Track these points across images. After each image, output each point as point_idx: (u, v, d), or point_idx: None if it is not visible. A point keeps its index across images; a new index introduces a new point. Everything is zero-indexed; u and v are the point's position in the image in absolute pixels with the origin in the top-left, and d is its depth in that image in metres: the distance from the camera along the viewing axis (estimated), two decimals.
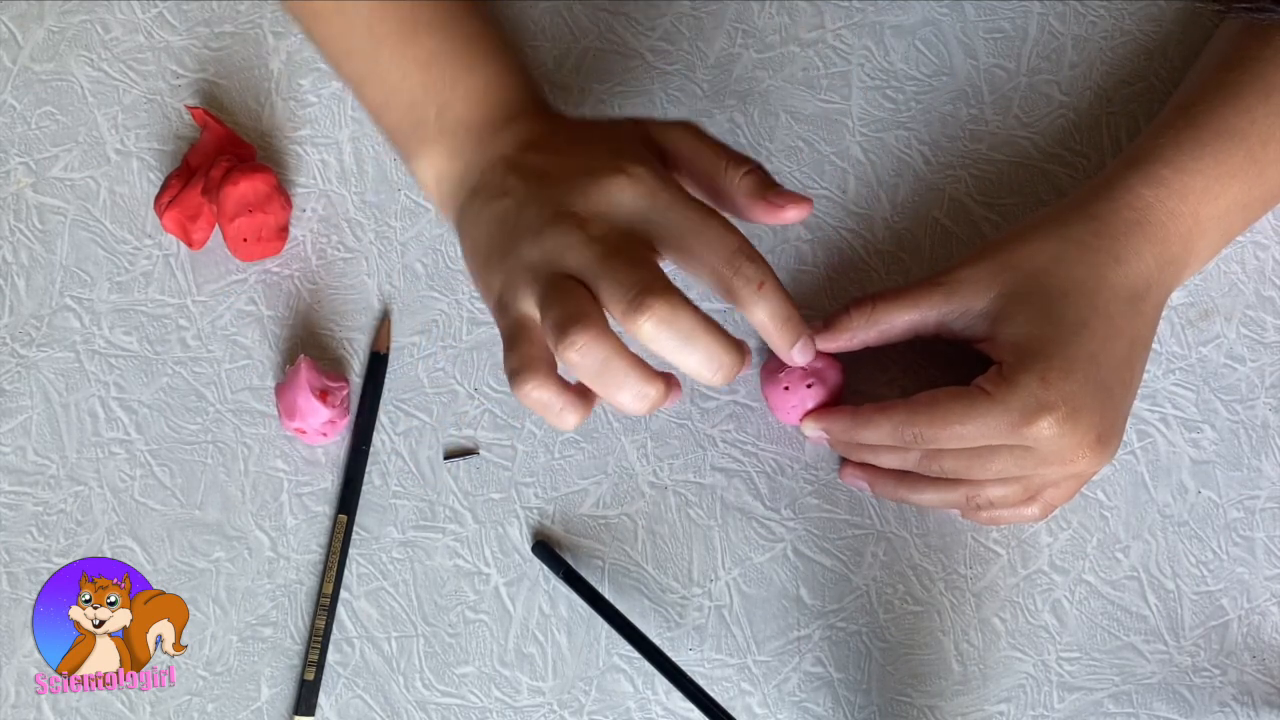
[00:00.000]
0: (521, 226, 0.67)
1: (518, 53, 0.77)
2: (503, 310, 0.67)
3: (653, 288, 0.63)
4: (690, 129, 0.72)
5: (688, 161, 0.71)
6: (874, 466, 0.76)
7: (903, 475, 0.76)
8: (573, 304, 0.64)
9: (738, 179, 0.69)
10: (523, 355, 0.65)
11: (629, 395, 0.64)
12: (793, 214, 0.69)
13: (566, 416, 0.65)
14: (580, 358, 0.63)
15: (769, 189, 0.69)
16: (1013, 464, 0.71)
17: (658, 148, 0.71)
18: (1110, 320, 0.72)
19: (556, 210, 0.66)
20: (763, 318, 0.67)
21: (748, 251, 0.65)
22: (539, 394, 0.65)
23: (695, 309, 0.63)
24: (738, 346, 0.64)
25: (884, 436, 0.73)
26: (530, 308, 0.66)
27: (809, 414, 0.76)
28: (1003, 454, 0.71)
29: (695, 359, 0.64)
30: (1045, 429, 0.69)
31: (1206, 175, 0.74)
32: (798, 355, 0.69)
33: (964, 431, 0.70)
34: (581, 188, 0.66)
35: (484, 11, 0.77)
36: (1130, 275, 0.72)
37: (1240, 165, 0.74)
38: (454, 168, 0.73)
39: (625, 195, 0.66)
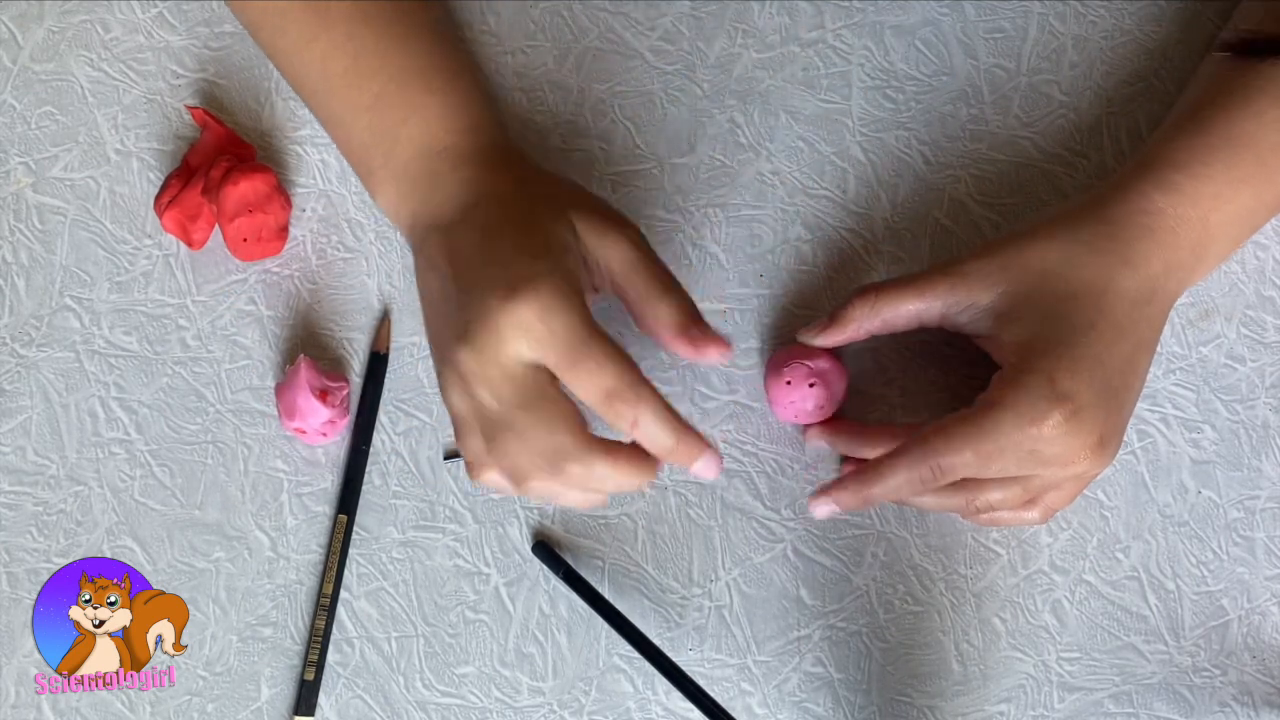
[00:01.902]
0: (442, 319, 0.70)
1: (469, 84, 0.77)
2: (441, 390, 0.70)
3: (530, 476, 0.68)
4: (625, 246, 0.71)
5: (617, 284, 0.71)
6: None
7: None
8: (474, 456, 0.69)
9: (661, 314, 0.70)
10: (470, 448, 0.70)
11: (571, 501, 0.70)
12: (714, 356, 0.70)
13: (524, 490, 0.69)
14: (500, 491, 0.71)
15: (691, 326, 0.70)
16: (1014, 464, 0.71)
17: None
18: (1116, 323, 0.71)
19: (460, 333, 0.67)
20: (647, 446, 0.68)
21: (620, 394, 0.66)
22: (488, 476, 0.70)
23: (581, 471, 0.67)
24: (643, 466, 0.68)
25: (901, 485, 0.71)
26: (460, 402, 0.69)
27: (817, 427, 0.76)
28: (1006, 453, 0.71)
29: (612, 489, 0.69)
30: (1051, 428, 0.69)
31: (1217, 181, 0.74)
32: (701, 471, 0.68)
33: (982, 449, 0.70)
34: (476, 316, 0.67)
35: (435, 40, 0.77)
36: (1138, 280, 0.72)
37: (1250, 171, 0.74)
38: (404, 210, 0.75)
39: (506, 331, 0.66)
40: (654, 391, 0.67)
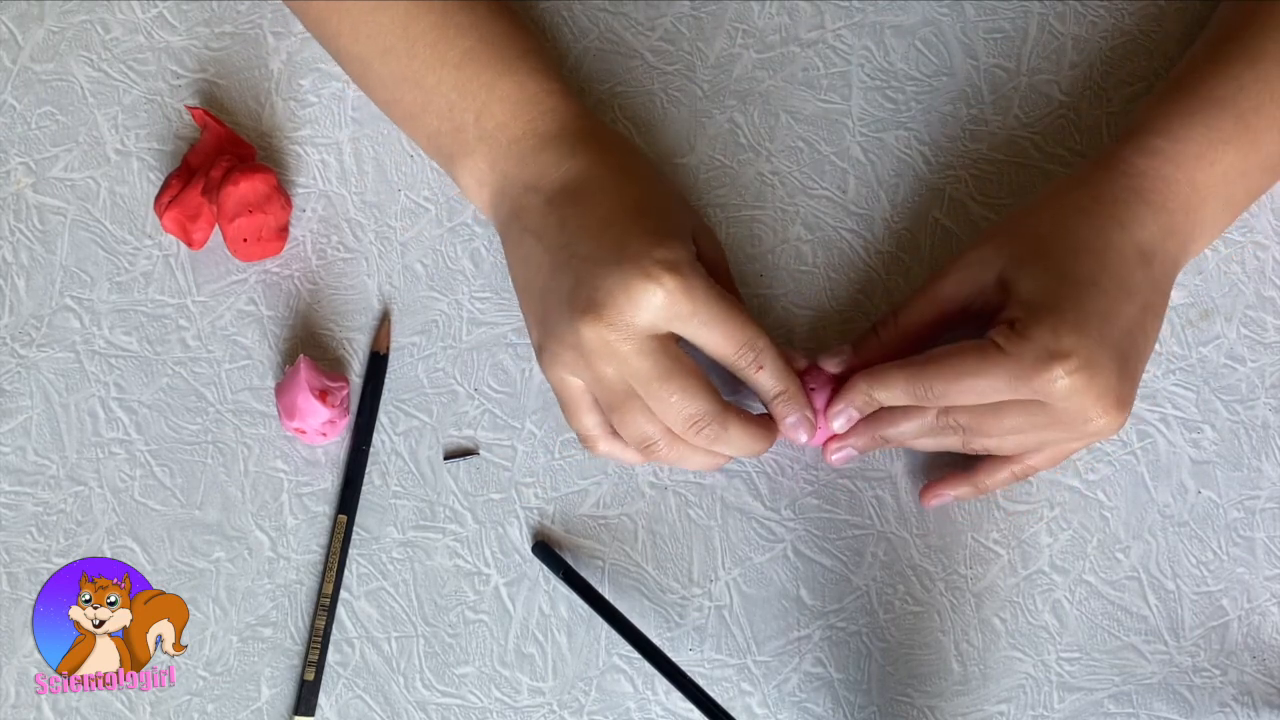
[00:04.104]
0: (552, 292, 0.72)
1: (551, 56, 0.78)
2: (545, 366, 0.74)
3: (657, 448, 0.73)
4: (719, 251, 0.76)
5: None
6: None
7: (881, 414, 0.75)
8: (629, 429, 0.73)
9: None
10: (585, 424, 0.74)
11: (695, 464, 0.75)
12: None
13: (634, 457, 0.75)
14: (618, 460, 0.76)
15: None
16: (1025, 420, 0.71)
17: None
18: (1120, 280, 0.72)
19: (586, 306, 0.70)
20: (763, 393, 0.73)
21: (751, 343, 0.72)
22: (606, 448, 0.75)
23: (716, 432, 0.72)
24: (766, 431, 0.73)
25: (898, 394, 0.72)
26: (574, 378, 0.73)
27: (838, 444, 0.76)
28: (1015, 409, 0.71)
29: (735, 452, 0.74)
30: (1058, 379, 0.69)
31: (1199, 142, 0.74)
32: (795, 427, 0.74)
33: (976, 385, 0.70)
34: (609, 291, 0.70)
35: (515, 14, 0.78)
36: (1135, 238, 0.73)
37: (1232, 132, 0.75)
38: (494, 177, 0.75)
39: (649, 306, 0.70)
40: (773, 343, 0.73)
